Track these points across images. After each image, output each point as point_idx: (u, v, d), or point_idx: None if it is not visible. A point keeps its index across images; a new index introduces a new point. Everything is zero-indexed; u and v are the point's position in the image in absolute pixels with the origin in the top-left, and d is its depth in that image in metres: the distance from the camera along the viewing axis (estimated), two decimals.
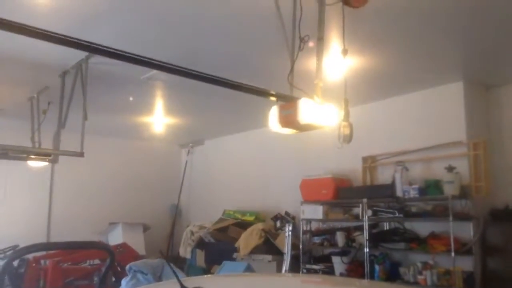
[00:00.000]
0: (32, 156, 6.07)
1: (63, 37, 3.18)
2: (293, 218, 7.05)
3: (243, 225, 8.03)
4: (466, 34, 4.51)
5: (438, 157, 5.94)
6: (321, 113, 3.02)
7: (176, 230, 10.05)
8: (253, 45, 4.87)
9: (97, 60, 5.28)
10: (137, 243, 8.31)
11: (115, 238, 8.46)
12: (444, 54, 5.08)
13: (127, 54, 2.60)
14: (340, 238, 6.53)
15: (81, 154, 5.36)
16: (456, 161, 5.65)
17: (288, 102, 3.20)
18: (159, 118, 8.17)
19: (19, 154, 6.24)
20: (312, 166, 7.22)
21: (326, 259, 6.65)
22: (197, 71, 3.20)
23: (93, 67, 5.41)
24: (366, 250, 5.98)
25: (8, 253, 6.76)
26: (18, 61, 5.44)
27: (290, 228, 6.45)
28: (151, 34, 4.62)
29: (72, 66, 5.54)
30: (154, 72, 5.70)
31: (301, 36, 3.48)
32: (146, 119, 8.19)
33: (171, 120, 8.33)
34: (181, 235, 9.13)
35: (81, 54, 5.23)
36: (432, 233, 5.73)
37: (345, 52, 3.59)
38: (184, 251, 8.66)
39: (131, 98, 6.82)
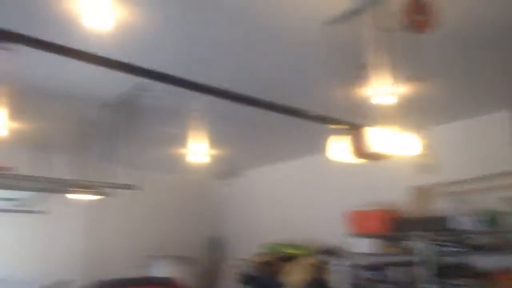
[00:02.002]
0: (78, 189, 6.07)
1: (125, 64, 3.19)
2: (342, 252, 6.77)
3: (288, 259, 7.78)
4: None
5: (496, 187, 5.62)
6: (390, 141, 2.86)
7: (217, 263, 9.84)
8: (306, 72, 4.79)
9: (146, 93, 5.29)
10: (179, 277, 8.15)
11: (157, 272, 8.33)
12: (500, 81, 4.87)
13: (191, 82, 2.53)
14: (392, 273, 6.19)
15: (129, 187, 5.33)
16: None
17: (350, 130, 3.06)
18: (198, 150, 8.10)
19: (65, 187, 6.27)
20: (359, 196, 6.96)
21: None
22: (266, 100, 3.12)
23: (141, 100, 5.41)
24: (423, 286, 5.63)
25: None
26: (63, 96, 5.50)
27: (339, 262, 6.18)
28: (202, 62, 4.58)
29: (117, 99, 5.54)
30: (200, 103, 5.69)
31: (359, 64, 3.38)
32: (185, 151, 8.14)
33: (210, 152, 8.26)
34: (221, 268, 8.93)
35: (126, 86, 5.26)
36: (497, 268, 5.35)
37: (408, 79, 3.45)
38: (226, 286, 8.43)
39: (173, 131, 6.80)
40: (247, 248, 9.05)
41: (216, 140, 7.55)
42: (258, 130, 6.91)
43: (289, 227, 8.49)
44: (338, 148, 3.09)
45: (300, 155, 8.17)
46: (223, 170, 10.05)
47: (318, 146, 7.19)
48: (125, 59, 3.60)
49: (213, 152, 8.22)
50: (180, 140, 7.43)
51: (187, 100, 5.59)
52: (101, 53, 3.39)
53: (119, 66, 3.42)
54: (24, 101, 5.68)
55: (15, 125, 6.59)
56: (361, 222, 6.49)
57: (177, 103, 5.65)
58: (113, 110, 5.69)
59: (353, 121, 3.18)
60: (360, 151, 2.92)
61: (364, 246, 6.52)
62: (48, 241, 8.27)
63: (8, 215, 7.63)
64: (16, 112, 6.19)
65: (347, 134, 3.04)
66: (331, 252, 6.79)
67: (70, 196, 6.56)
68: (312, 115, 2.99)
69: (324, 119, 3.05)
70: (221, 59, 4.58)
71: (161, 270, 8.35)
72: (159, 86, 5.05)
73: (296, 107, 2.97)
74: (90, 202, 8.30)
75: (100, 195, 6.28)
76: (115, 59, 3.36)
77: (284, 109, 2.96)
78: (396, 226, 6.19)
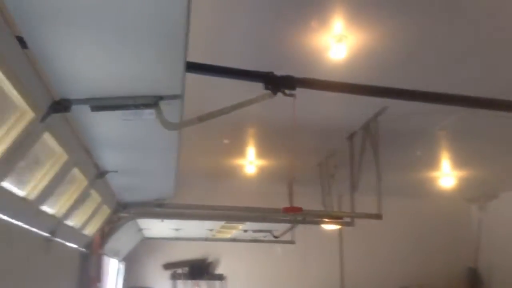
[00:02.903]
0: (327, 220, 6.13)
1: (373, 87, 3.07)
2: None
3: None
4: None
5: None
6: None
7: None
8: None
9: (386, 118, 5.05)
10: None
11: None
12: None
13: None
14: None
15: (378, 217, 5.08)
16: None
17: None
18: (446, 172, 7.40)
19: (312, 218, 6.40)
20: None
21: None
22: None
23: (382, 125, 5.19)
24: None
25: None
26: (308, 129, 5.65)
27: None
28: (457, 71, 4.12)
29: (360, 127, 5.45)
30: (446, 121, 5.16)
31: None
32: (431, 174, 7.53)
33: (458, 173, 7.44)
34: None
35: (368, 114, 5.11)
36: None
37: None
38: None
39: (418, 153, 6.34)
40: None
41: (467, 159, 6.76)
42: None
43: None
44: None
45: None
46: (477, 193, 8.91)
47: None
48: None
49: (464, 173, 7.39)
50: (427, 162, 6.91)
51: (433, 119, 5.14)
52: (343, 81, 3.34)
53: (367, 90, 3.31)
54: (274, 139, 6.10)
55: (263, 162, 7.15)
56: None
57: (423, 124, 5.26)
58: (357, 139, 5.62)
59: None
60: None
61: None
62: (297, 269, 8.63)
63: (263, 245, 8.27)
64: (265, 150, 6.71)
65: None
66: None
67: (319, 226, 6.68)
68: None
69: None
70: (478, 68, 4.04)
71: None
72: (401, 108, 4.80)
73: None
74: (335, 231, 8.41)
75: (346, 225, 6.22)
76: (364, 84, 3.26)
77: None
78: None
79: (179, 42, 1.83)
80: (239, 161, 7.12)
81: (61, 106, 2.19)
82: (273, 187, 8.30)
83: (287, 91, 2.85)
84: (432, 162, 6.88)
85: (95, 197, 3.99)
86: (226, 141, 6.11)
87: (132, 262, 7.87)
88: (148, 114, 2.32)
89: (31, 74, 1.94)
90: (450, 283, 8.74)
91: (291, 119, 5.23)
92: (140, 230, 6.55)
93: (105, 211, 4.57)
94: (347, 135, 5.77)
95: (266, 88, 2.86)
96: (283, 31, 3.53)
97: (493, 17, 3.29)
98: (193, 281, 8.21)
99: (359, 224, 6.42)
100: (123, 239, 6.08)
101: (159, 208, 4.97)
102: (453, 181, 7.66)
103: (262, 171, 7.55)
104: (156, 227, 6.34)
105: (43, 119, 2.17)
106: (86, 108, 2.24)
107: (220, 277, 8.34)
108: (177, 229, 6.52)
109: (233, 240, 7.75)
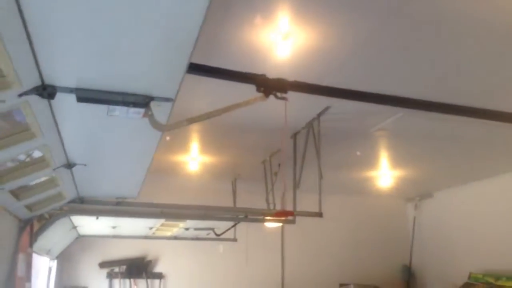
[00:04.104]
0: (269, 218, 6.11)
1: (317, 86, 3.06)
2: None
3: None
4: None
5: None
6: None
7: None
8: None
9: (328, 117, 5.12)
10: None
11: None
12: None
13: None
14: None
15: (319, 215, 5.13)
16: None
17: None
18: (384, 171, 7.62)
19: (253, 216, 6.37)
20: None
21: None
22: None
23: (324, 125, 5.25)
24: None
25: None
26: (253, 128, 5.64)
27: None
28: (400, 73, 4.18)
29: (303, 127, 5.49)
30: (385, 122, 5.30)
31: None
32: (371, 173, 7.73)
33: (396, 173, 7.69)
34: None
35: (312, 113, 5.16)
36: None
37: None
38: None
39: (358, 153, 6.48)
40: (445, 278, 8.11)
41: (404, 159, 6.98)
42: (454, 146, 6.16)
43: (498, 255, 7.26)
44: None
45: (505, 171, 7.06)
46: (414, 192, 9.26)
47: None
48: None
49: (402, 172, 7.64)
50: (367, 161, 7.07)
51: (373, 119, 5.25)
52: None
53: (311, 89, 3.32)
54: (218, 135, 6.01)
55: (207, 158, 7.05)
56: None
57: (363, 124, 5.36)
58: (300, 138, 5.66)
59: None
60: None
61: None
62: (239, 266, 8.60)
63: (204, 243, 8.16)
64: (209, 147, 6.62)
65: None
66: None
67: (262, 223, 6.67)
68: None
69: None
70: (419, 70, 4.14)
71: None
72: (343, 108, 4.88)
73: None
74: (278, 228, 8.45)
75: (288, 222, 6.24)
76: (309, 83, 3.25)
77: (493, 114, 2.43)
78: None
79: (187, 49, 1.79)
80: (181, 157, 6.98)
81: (45, 91, 2.09)
82: (217, 184, 8.26)
83: (279, 94, 2.84)
84: (371, 161, 7.05)
85: (55, 183, 3.77)
86: (168, 138, 5.94)
87: (66, 260, 7.51)
88: (136, 113, 2.30)
89: (25, 51, 1.81)
90: (386, 280, 9.02)
91: (235, 116, 5.22)
92: (74, 227, 6.24)
93: (61, 200, 4.33)
94: (291, 134, 5.80)
95: (258, 91, 2.82)
96: (229, 26, 3.44)
97: (437, 20, 3.36)
98: (131, 280, 7.97)
99: (300, 222, 6.46)
100: (55, 237, 5.77)
101: (118, 206, 4.79)
102: (391, 180, 7.92)
103: (205, 167, 7.45)
104: (92, 225, 6.06)
105: (21, 95, 2.07)
106: (71, 97, 2.17)
107: (160, 276, 8.14)
108: (114, 227, 6.27)
109: (174, 238, 7.58)
